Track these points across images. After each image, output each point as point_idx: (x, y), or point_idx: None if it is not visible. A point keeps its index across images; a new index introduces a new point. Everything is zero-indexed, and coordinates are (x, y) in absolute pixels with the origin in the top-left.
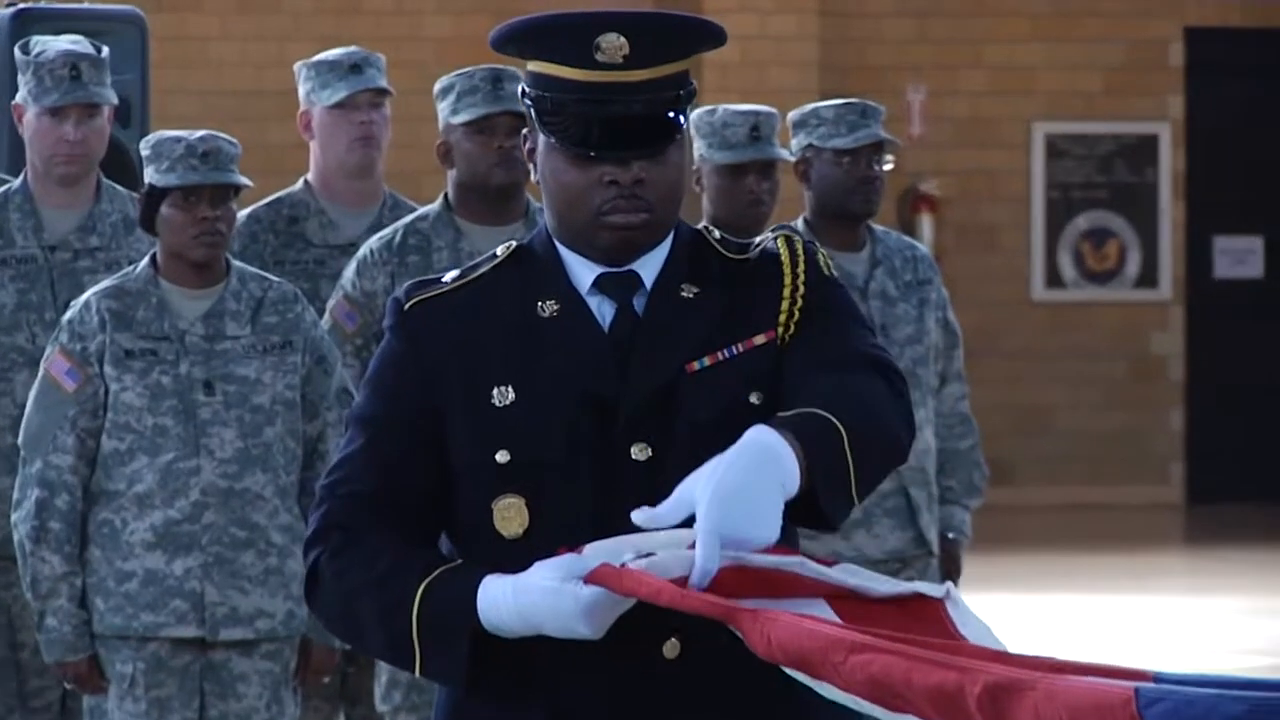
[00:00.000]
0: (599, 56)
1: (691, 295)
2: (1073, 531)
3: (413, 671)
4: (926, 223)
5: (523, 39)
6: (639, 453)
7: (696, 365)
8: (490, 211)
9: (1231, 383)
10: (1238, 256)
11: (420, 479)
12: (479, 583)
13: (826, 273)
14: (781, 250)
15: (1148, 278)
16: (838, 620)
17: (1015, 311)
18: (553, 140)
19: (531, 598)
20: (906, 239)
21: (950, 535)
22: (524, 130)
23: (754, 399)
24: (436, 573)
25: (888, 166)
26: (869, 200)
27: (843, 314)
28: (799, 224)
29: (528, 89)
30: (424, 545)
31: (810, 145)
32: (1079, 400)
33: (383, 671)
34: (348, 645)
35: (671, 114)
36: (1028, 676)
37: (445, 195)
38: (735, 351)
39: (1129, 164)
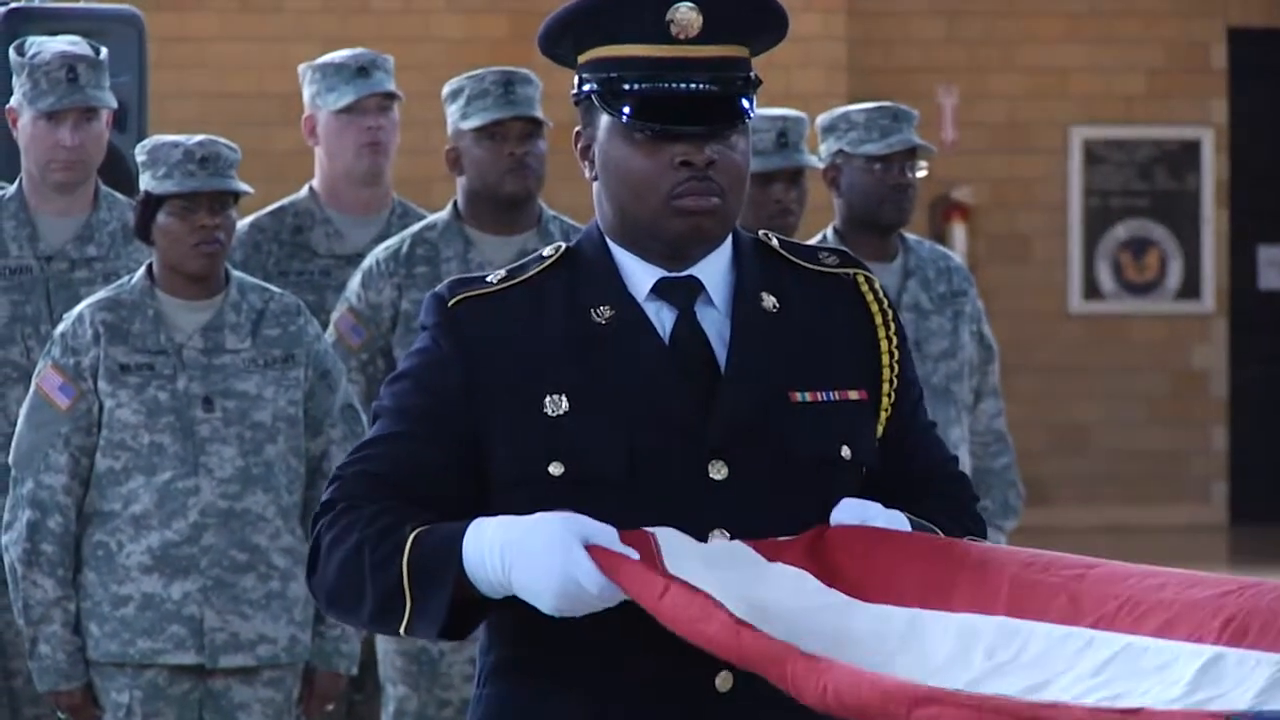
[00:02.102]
0: (673, 30)
1: (774, 309)
2: (1111, 553)
3: (398, 632)
4: (959, 232)
5: (585, 22)
6: (716, 471)
7: (799, 397)
8: (501, 220)
9: (1277, 399)
10: None
11: (441, 483)
12: (470, 521)
13: (899, 324)
14: (867, 295)
15: (1189, 289)
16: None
17: (1051, 324)
18: (623, 119)
19: (519, 530)
20: (940, 249)
21: None
22: (575, 129)
23: (845, 453)
24: (432, 523)
25: (921, 173)
26: (901, 209)
27: (919, 391)
28: (828, 233)
29: (587, 77)
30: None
31: (840, 151)
32: (1117, 417)
33: (390, 700)
34: (343, 620)
35: (741, 98)
36: (1112, 713)
37: (454, 203)
38: (833, 398)
39: (1170, 170)
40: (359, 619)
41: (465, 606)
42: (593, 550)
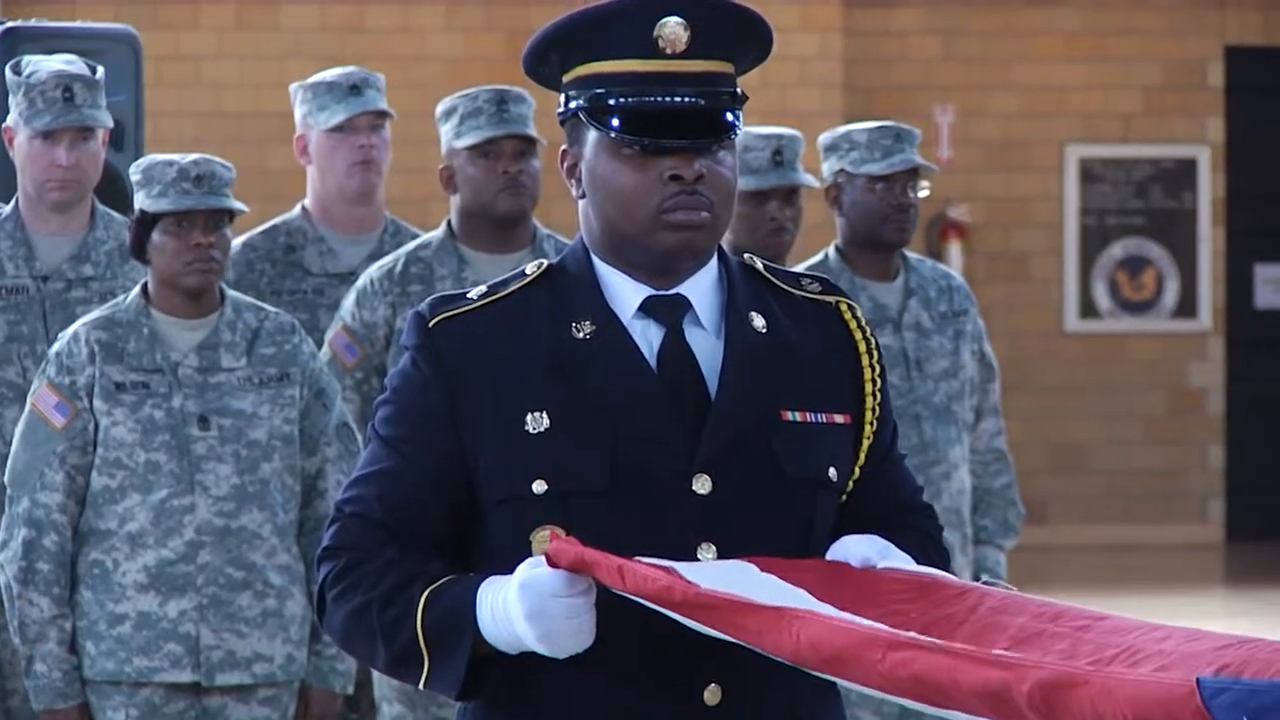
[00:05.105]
0: (660, 45)
1: (763, 329)
2: (1109, 572)
3: (417, 684)
4: (955, 250)
5: (572, 39)
6: (700, 485)
7: (790, 416)
8: (495, 239)
9: (1273, 416)
10: None
11: (436, 516)
12: (480, 584)
13: (881, 353)
14: (851, 323)
15: (1186, 307)
16: (825, 607)
17: (1048, 343)
18: (611, 133)
19: (504, 593)
20: (941, 267)
21: (984, 578)
22: (561, 147)
23: (831, 474)
24: (441, 581)
25: (923, 193)
26: (903, 229)
27: (894, 423)
28: (830, 252)
29: (573, 94)
30: (434, 562)
31: (842, 170)
32: (1114, 435)
33: (385, 718)
34: (360, 660)
35: (728, 112)
36: (1079, 671)
37: (448, 222)
38: (821, 420)
39: (1166, 189)
40: (374, 667)
41: (479, 661)
42: (550, 555)
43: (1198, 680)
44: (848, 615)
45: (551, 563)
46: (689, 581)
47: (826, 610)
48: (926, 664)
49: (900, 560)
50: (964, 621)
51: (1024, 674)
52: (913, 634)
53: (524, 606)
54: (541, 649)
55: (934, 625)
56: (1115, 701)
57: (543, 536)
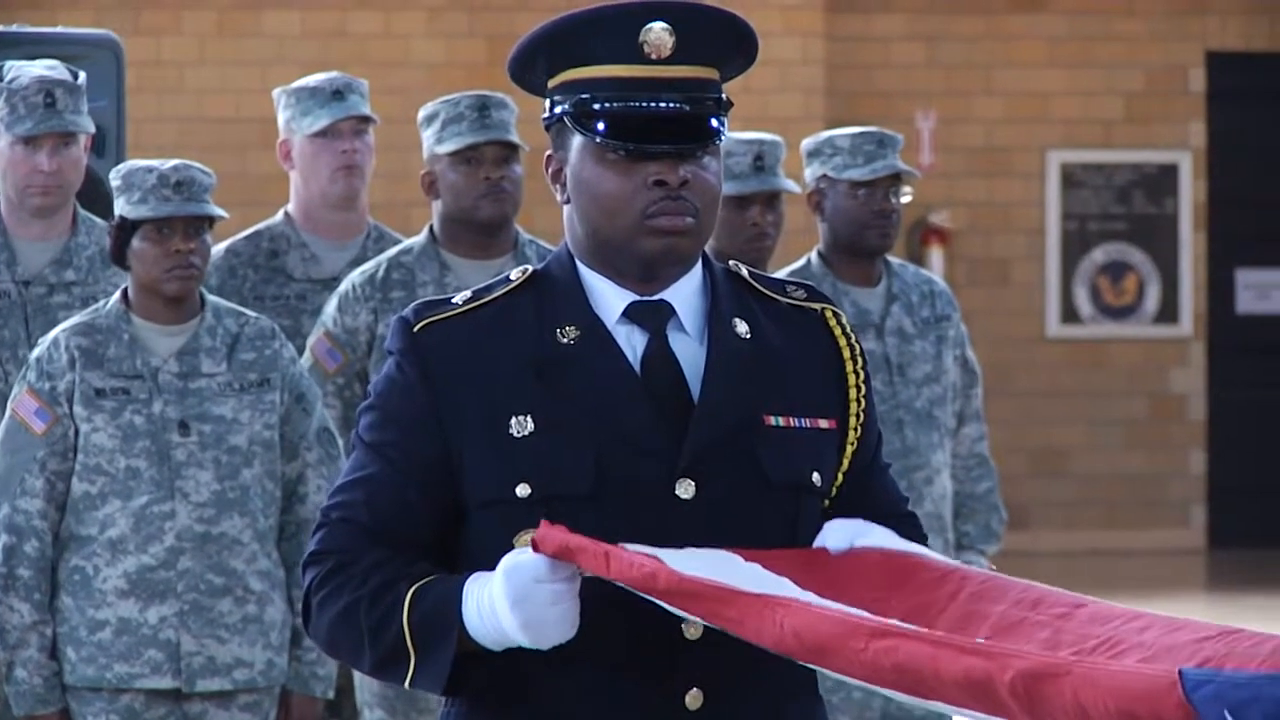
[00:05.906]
0: (645, 50)
1: (746, 335)
2: (1090, 577)
3: (402, 683)
4: (937, 256)
5: (557, 44)
6: (684, 490)
7: (773, 421)
8: (477, 245)
9: (1255, 422)
10: (1261, 291)
11: (422, 521)
12: (465, 580)
13: (866, 360)
14: (835, 330)
15: (1168, 313)
16: (808, 594)
17: (1029, 349)
18: (596, 138)
19: (490, 586)
20: (924, 273)
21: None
22: (546, 153)
23: (815, 479)
24: (427, 578)
25: (905, 199)
26: (885, 234)
27: (879, 432)
28: (812, 257)
29: (558, 99)
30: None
31: (824, 176)
32: (1096, 441)
33: None
34: (346, 663)
35: (712, 118)
36: (1061, 661)
37: (430, 228)
38: (805, 424)
39: (1148, 194)
40: (360, 669)
41: (464, 659)
42: (536, 541)
43: (1180, 672)
44: (830, 603)
45: (536, 548)
46: (674, 569)
47: (809, 598)
48: (909, 653)
49: (882, 537)
50: (944, 610)
51: (1006, 663)
52: (895, 621)
53: (508, 592)
54: (524, 639)
55: (915, 613)
56: (1098, 691)
57: (527, 539)
